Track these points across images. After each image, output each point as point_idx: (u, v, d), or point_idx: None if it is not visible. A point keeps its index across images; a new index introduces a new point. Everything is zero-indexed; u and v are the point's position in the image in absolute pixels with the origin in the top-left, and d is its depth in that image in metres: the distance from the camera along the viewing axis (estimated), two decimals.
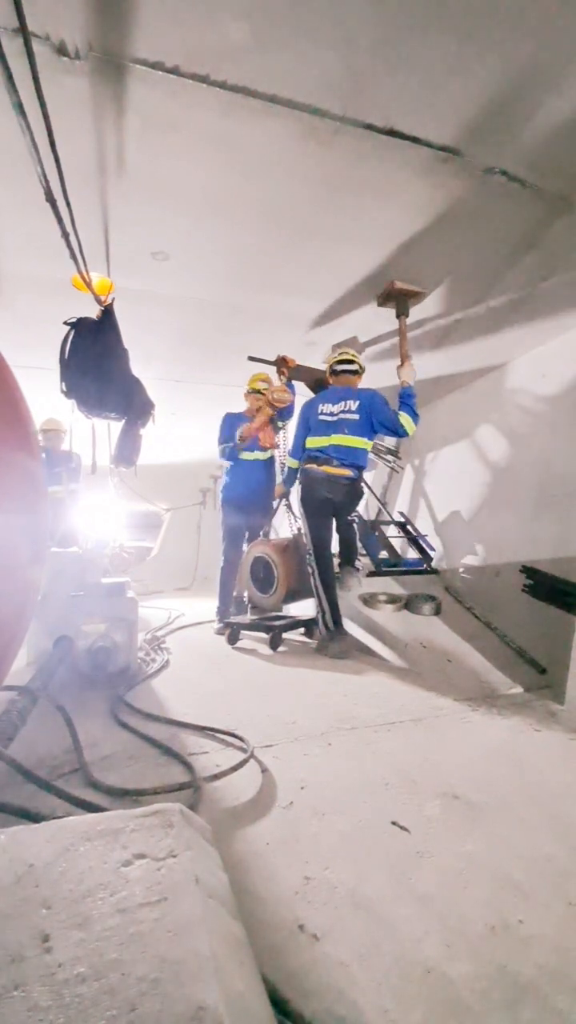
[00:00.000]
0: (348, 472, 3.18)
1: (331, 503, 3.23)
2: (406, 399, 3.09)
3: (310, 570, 3.23)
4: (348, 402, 3.18)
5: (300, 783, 1.43)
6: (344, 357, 3.31)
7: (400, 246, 2.55)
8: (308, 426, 3.30)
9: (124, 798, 1.33)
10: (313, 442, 3.25)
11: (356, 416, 3.15)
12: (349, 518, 3.50)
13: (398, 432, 3.12)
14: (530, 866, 1.07)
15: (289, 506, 3.91)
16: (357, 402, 3.16)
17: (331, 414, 3.20)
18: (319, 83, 1.67)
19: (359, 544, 3.66)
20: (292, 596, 3.63)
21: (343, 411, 3.17)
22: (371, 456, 3.69)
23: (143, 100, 1.72)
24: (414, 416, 3.09)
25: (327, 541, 3.26)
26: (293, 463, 3.48)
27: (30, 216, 2.24)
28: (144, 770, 1.53)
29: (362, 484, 3.40)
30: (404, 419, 3.05)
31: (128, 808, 0.88)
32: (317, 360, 3.95)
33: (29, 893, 0.67)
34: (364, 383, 3.40)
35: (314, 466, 3.20)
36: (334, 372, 3.33)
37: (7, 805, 1.06)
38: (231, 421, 4.01)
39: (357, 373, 3.32)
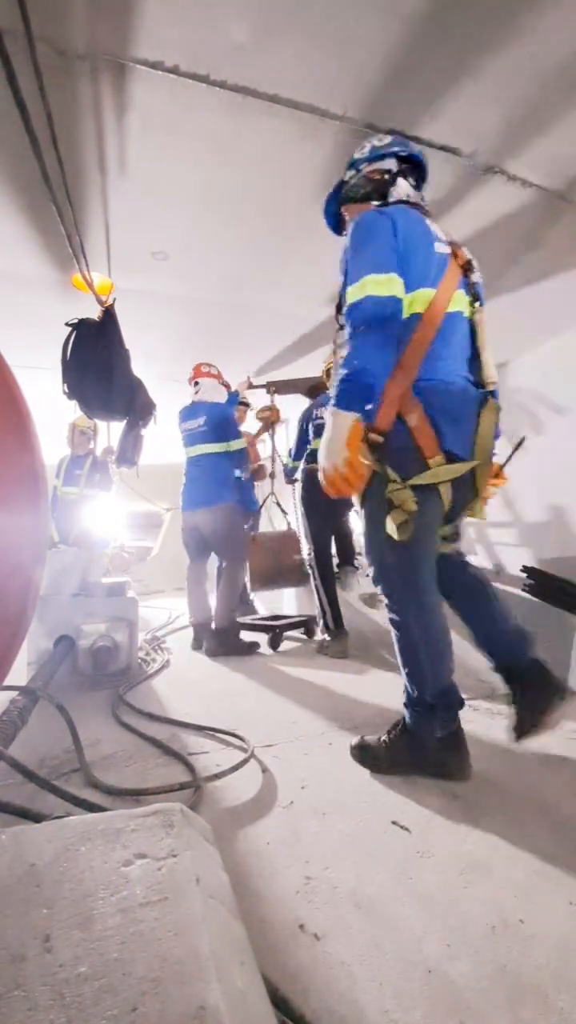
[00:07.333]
0: None
1: (334, 505, 3.23)
2: None
3: (310, 570, 3.22)
4: None
5: (301, 783, 1.43)
6: None
7: None
8: (307, 432, 3.30)
9: (125, 798, 1.33)
10: (316, 444, 3.23)
11: None
12: (343, 518, 3.50)
13: None
14: (530, 866, 1.07)
15: (278, 502, 3.94)
16: None
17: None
18: (319, 83, 1.67)
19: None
20: (262, 585, 3.79)
21: None
22: None
23: (143, 100, 1.72)
24: None
25: (328, 542, 3.26)
26: (295, 464, 3.48)
27: (31, 215, 2.24)
28: (145, 770, 1.53)
29: None
30: None
31: (129, 808, 0.88)
32: (317, 360, 3.95)
33: (30, 893, 0.67)
34: None
35: (316, 467, 3.18)
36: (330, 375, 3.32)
37: (8, 805, 1.06)
38: None
39: None
